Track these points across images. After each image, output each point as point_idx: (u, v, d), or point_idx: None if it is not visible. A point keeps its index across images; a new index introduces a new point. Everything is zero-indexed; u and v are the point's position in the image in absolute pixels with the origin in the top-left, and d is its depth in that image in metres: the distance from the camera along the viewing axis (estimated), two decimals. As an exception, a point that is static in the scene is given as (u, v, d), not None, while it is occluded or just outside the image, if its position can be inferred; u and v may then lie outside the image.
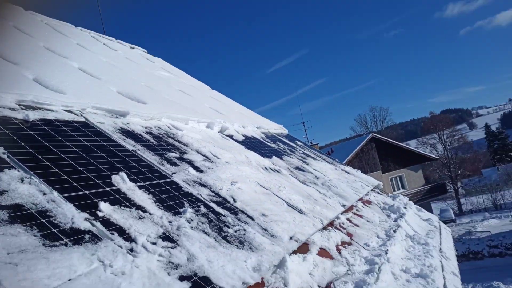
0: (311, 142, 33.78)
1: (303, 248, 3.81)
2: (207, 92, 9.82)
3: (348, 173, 8.33)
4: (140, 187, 3.00)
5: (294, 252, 3.51)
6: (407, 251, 5.30)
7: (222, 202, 3.60)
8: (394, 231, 5.61)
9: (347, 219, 5.59)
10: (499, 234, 26.27)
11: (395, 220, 6.50)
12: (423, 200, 30.96)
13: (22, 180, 2.21)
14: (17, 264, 1.57)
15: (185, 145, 4.69)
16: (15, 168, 2.29)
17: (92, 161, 3.01)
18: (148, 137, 4.31)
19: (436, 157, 45.10)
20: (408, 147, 36.71)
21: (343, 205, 5.57)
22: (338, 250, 4.31)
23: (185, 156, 4.30)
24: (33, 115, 3.15)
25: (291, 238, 3.52)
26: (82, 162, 2.90)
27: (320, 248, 4.08)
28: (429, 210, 29.95)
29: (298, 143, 9.02)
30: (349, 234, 5.03)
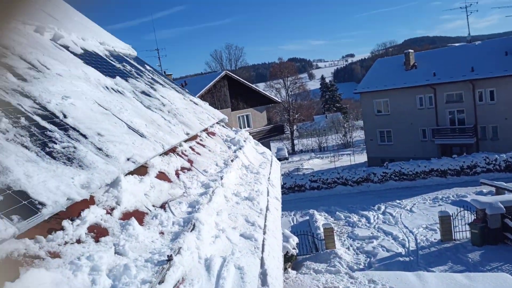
0: (165, 72, 32.59)
1: (142, 170, 3.78)
2: (42, -8, 8.21)
3: (196, 104, 8.43)
4: None
5: (131, 173, 3.45)
6: (240, 178, 5.82)
7: (49, 116, 3.20)
8: (232, 161, 6.04)
9: (190, 147, 5.74)
10: (319, 171, 31.29)
11: (235, 151, 6.98)
12: (264, 138, 34.07)
13: None
14: None
15: (4, 47, 3.90)
16: None
17: None
18: (-51, 29, 3.41)
19: (279, 101, 49.55)
20: (257, 88, 39.10)
21: (187, 133, 5.66)
22: (177, 175, 4.43)
23: (3, 60, 3.59)
24: None
25: (128, 159, 3.42)
26: None
27: (159, 171, 4.11)
28: (269, 147, 33.33)
29: (148, 67, 8.55)
30: (190, 161, 5.20)
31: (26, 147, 2.53)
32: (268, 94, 40.57)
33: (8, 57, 3.73)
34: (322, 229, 16.39)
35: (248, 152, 7.58)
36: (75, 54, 5.32)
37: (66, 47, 5.33)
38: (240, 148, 7.24)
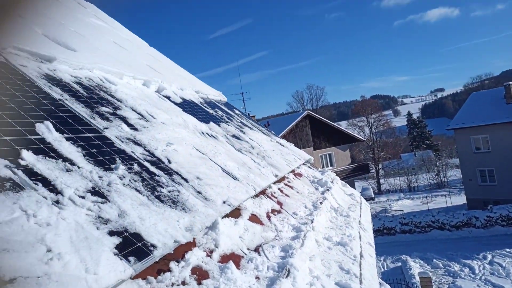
0: (248, 114, 33.99)
1: (235, 213, 3.88)
2: (145, 48, 9.31)
3: (283, 145, 8.55)
4: (67, 139, 2.79)
5: (227, 216, 3.56)
6: (330, 221, 5.65)
7: (157, 162, 3.49)
8: (321, 203, 5.92)
9: (279, 188, 5.78)
10: (411, 213, 29.10)
11: (322, 193, 6.86)
12: (348, 178, 33.02)
13: None
14: None
15: (118, 100, 4.43)
16: None
17: (13, 106, 2.72)
18: (77, 87, 3.99)
19: (363, 139, 48.04)
20: (339, 127, 38.57)
21: (276, 175, 5.72)
22: (268, 217, 4.46)
23: (118, 112, 4.07)
24: None
25: (224, 202, 3.55)
26: (2, 106, 2.61)
27: (251, 214, 4.18)
28: (353, 187, 32.16)
29: (237, 112, 9.00)
30: (279, 203, 5.22)
31: (139, 191, 2.77)
32: (350, 132, 39.71)
33: (122, 109, 4.22)
34: (418, 278, 14.94)
35: (336, 194, 7.38)
36: (175, 104, 5.83)
37: (168, 97, 5.88)
38: (328, 190, 7.09)
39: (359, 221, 6.34)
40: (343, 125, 59.83)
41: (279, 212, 4.90)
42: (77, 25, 6.27)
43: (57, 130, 2.78)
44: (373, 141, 59.19)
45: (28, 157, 2.24)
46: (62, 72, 4.02)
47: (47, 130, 2.68)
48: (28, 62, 3.65)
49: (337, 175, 11.61)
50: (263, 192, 5.08)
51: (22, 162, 2.18)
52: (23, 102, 2.88)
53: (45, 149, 2.46)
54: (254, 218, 4.13)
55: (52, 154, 2.47)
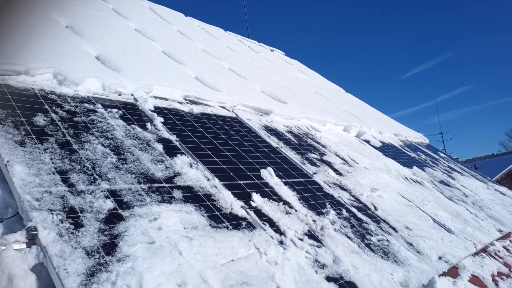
0: (450, 156, 30.34)
1: (452, 272, 3.39)
2: (342, 95, 9.64)
3: (504, 194, 7.18)
4: (285, 183, 3.07)
5: (444, 274, 3.15)
6: None
7: (363, 208, 3.44)
8: None
9: (504, 247, 4.81)
10: None
11: None
12: None
13: (191, 165, 2.46)
14: (192, 238, 1.73)
15: (323, 146, 4.66)
16: (185, 154, 2.57)
17: (243, 154, 3.20)
18: (289, 136, 4.41)
19: None
20: None
21: (500, 230, 4.81)
22: (495, 281, 3.73)
23: (324, 157, 4.26)
24: (196, 109, 3.52)
25: (440, 258, 3.18)
26: (235, 154, 3.10)
27: (472, 275, 3.58)
28: None
29: (442, 155, 8.15)
30: (506, 265, 4.32)
31: (349, 238, 2.77)
32: None
33: (327, 154, 4.41)
34: None
35: None
36: (375, 148, 5.73)
37: (368, 142, 5.84)
38: None
39: None
40: None
41: (507, 276, 4.04)
42: (287, 80, 7.07)
43: (276, 175, 3.10)
44: None
45: (257, 199, 2.56)
46: (277, 123, 4.54)
47: (269, 175, 3.02)
48: (252, 116, 4.29)
49: None
50: (484, 250, 4.32)
51: (253, 204, 2.50)
52: (250, 150, 3.35)
53: (269, 193, 2.77)
54: (475, 281, 3.52)
55: (274, 197, 2.75)
